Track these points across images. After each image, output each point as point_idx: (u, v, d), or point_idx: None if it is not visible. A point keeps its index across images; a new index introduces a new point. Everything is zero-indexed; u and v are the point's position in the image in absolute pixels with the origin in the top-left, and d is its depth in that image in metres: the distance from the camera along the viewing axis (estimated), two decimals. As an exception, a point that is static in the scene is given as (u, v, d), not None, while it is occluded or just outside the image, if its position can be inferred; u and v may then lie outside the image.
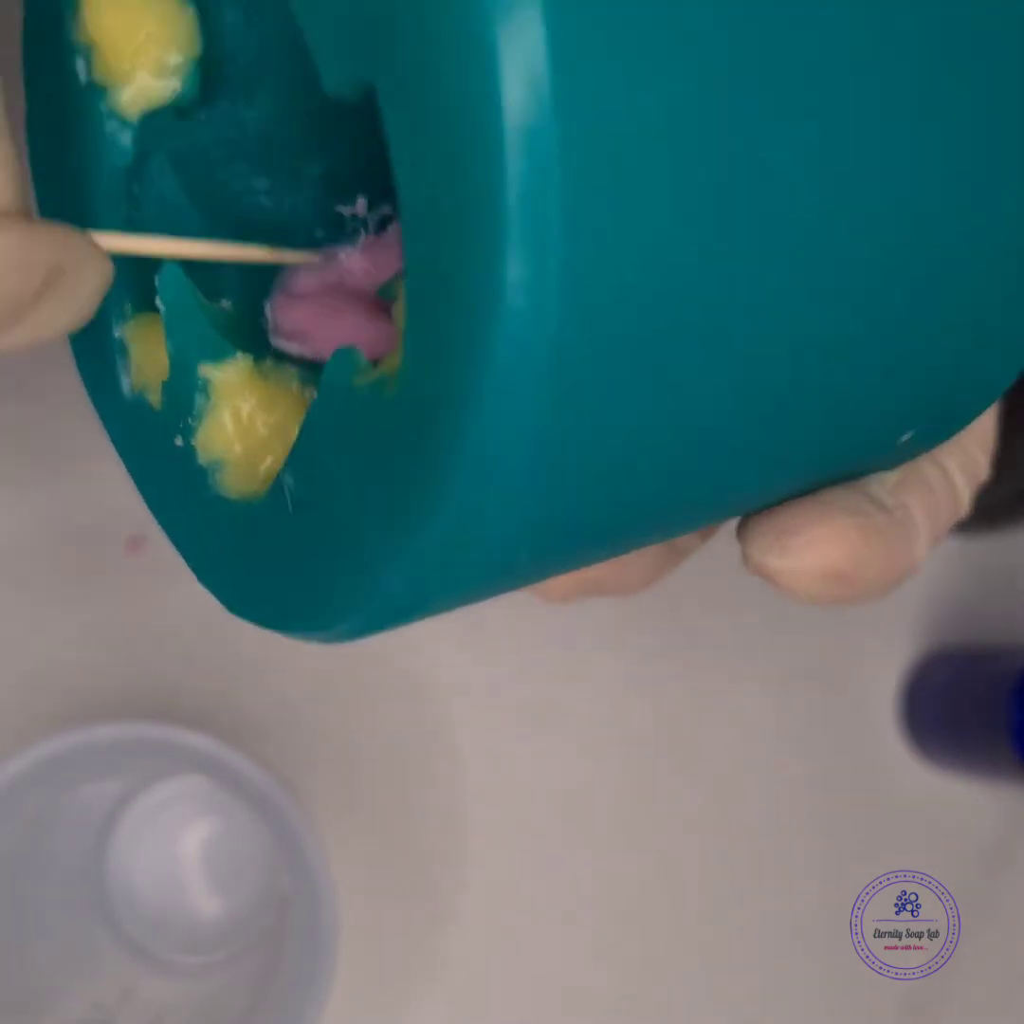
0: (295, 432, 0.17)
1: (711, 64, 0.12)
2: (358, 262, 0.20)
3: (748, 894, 0.41)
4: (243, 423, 0.18)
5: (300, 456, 0.16)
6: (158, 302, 0.18)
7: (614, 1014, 0.41)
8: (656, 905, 0.41)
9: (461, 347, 0.12)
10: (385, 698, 0.41)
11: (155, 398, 0.19)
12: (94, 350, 0.20)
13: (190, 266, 0.19)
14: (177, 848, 0.39)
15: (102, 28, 0.18)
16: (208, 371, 0.18)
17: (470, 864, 0.41)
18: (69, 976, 0.37)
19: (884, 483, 0.19)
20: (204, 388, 0.18)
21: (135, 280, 0.19)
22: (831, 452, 0.17)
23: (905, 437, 0.17)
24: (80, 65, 0.18)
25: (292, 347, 0.20)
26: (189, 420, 0.18)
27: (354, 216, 0.20)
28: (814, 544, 0.17)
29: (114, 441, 0.20)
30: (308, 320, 0.20)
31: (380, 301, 0.20)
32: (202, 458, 0.18)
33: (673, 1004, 0.41)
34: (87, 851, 0.39)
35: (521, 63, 0.11)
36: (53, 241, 0.15)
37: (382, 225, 0.21)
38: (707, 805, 0.42)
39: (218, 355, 0.18)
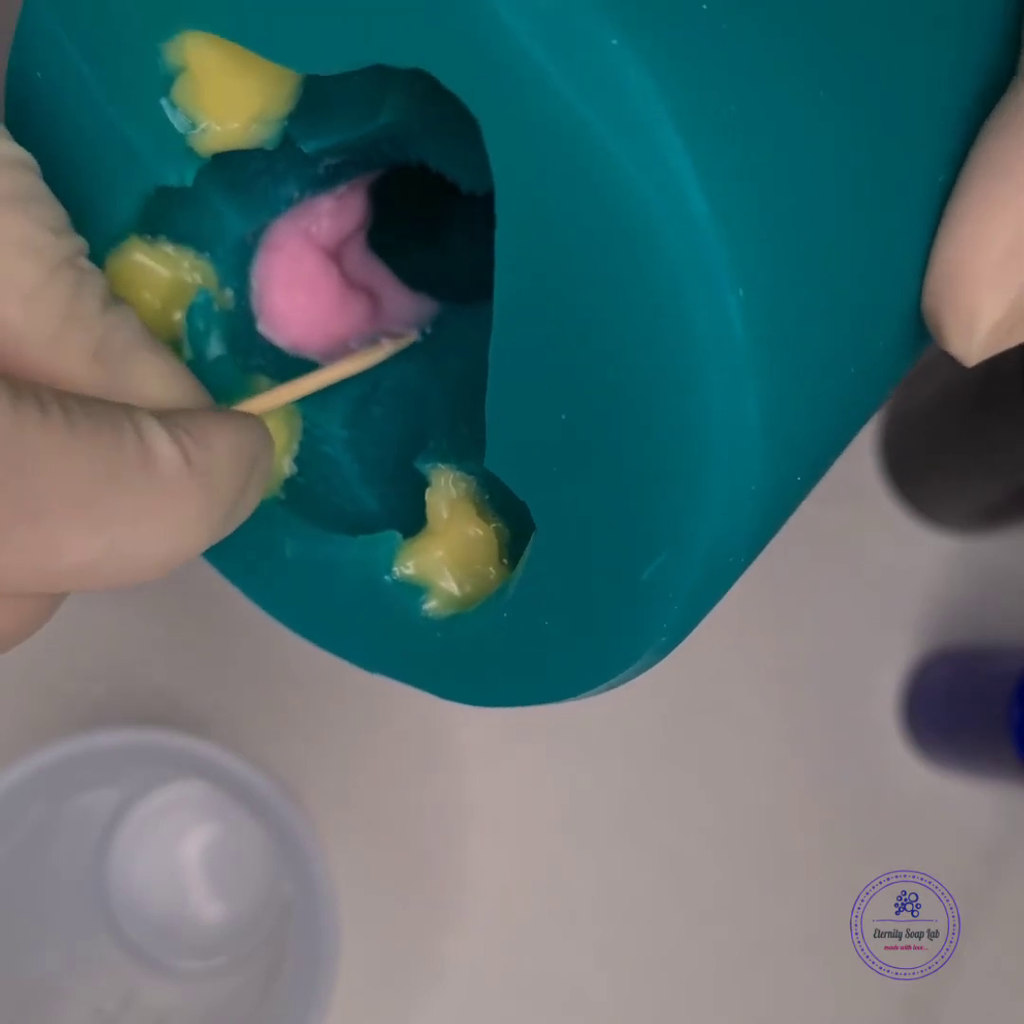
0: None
1: None
2: (327, 206, 0.21)
3: (749, 894, 0.41)
4: None
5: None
6: None
7: (615, 1014, 0.41)
8: (657, 905, 0.41)
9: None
10: (385, 701, 0.41)
11: None
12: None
13: None
14: (178, 853, 0.39)
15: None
16: None
17: (471, 866, 0.41)
18: (72, 981, 0.38)
19: None
20: None
21: None
22: None
23: None
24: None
25: (276, 337, 0.21)
26: None
27: (326, 168, 0.21)
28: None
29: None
30: (289, 305, 0.21)
31: (347, 273, 0.22)
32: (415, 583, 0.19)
33: (674, 1004, 0.41)
34: (89, 857, 0.39)
35: None
36: (257, 431, 0.15)
37: (336, 178, 0.21)
38: (707, 805, 0.42)
39: None
